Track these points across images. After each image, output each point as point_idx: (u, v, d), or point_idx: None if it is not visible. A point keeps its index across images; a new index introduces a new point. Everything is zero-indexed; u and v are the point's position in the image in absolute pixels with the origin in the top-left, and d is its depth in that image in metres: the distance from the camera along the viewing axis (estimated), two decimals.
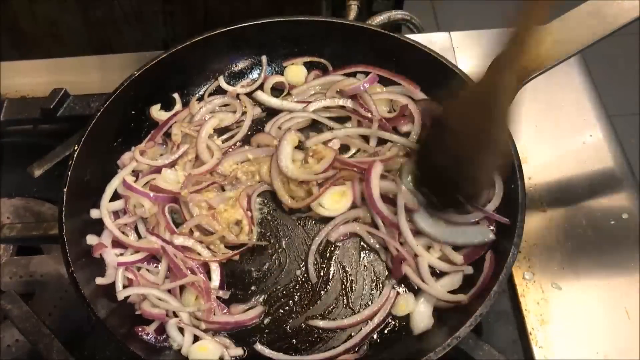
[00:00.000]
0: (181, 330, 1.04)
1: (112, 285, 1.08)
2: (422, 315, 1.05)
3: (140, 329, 1.03)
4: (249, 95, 1.33)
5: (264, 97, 1.32)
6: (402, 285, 1.09)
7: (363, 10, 1.65)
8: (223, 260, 1.11)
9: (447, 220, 1.09)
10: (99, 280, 1.07)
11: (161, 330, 1.05)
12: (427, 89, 1.27)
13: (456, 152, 0.98)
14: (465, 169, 0.99)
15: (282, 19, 1.29)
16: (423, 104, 1.27)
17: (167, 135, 1.26)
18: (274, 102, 1.31)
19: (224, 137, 1.27)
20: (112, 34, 1.86)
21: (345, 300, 1.09)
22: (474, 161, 0.97)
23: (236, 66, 1.36)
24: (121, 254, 1.11)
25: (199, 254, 1.11)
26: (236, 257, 1.12)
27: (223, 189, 1.19)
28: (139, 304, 1.06)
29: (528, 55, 0.91)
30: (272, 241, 1.15)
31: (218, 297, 1.08)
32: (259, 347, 1.04)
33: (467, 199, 1.04)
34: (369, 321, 1.05)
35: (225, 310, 1.07)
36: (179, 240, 1.10)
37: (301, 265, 1.12)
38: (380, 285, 1.10)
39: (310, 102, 1.28)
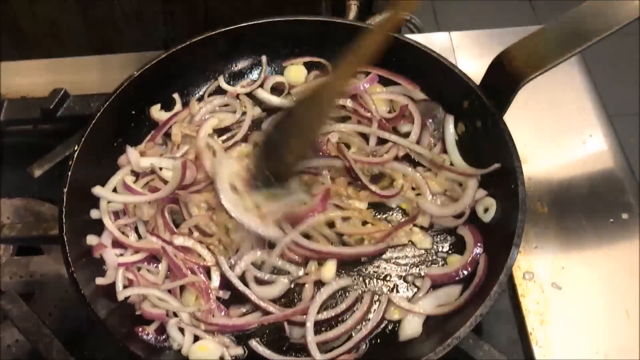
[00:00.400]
0: (181, 330, 1.04)
1: (112, 285, 1.08)
2: (410, 323, 1.04)
3: (140, 329, 1.03)
4: (249, 95, 1.33)
5: (265, 95, 1.32)
6: (395, 291, 1.10)
7: (363, 10, 1.65)
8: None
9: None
10: (99, 281, 1.07)
11: (161, 330, 1.05)
12: (427, 89, 1.27)
13: (280, 132, 1.11)
14: (279, 147, 1.10)
15: (282, 19, 1.29)
16: (423, 104, 1.27)
17: (167, 135, 1.26)
18: (274, 100, 1.31)
19: (224, 137, 1.27)
20: (112, 34, 1.86)
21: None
22: (287, 143, 1.10)
23: (236, 66, 1.36)
24: (121, 254, 1.11)
25: (199, 255, 1.11)
26: None
27: None
28: (139, 304, 1.06)
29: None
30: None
31: (218, 298, 1.08)
32: (253, 343, 1.04)
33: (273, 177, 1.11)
34: (363, 323, 1.05)
35: (224, 312, 1.07)
36: (179, 241, 1.10)
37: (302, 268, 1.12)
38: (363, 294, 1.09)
39: None
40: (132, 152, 1.19)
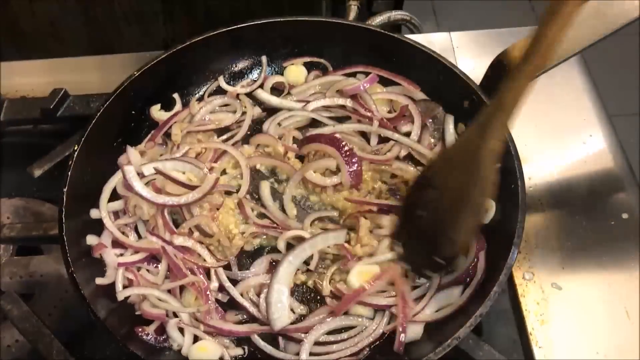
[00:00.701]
0: (181, 330, 1.04)
1: (112, 285, 1.08)
2: (412, 327, 1.03)
3: (140, 329, 1.03)
4: (249, 95, 1.33)
5: (264, 95, 1.32)
6: None
7: (363, 10, 1.65)
8: (219, 266, 1.11)
9: None
10: (99, 281, 1.07)
11: (161, 330, 1.05)
12: (427, 89, 1.27)
13: (436, 212, 0.99)
14: (443, 230, 0.99)
15: (282, 19, 1.29)
16: (423, 104, 1.27)
17: (167, 135, 1.26)
18: (274, 100, 1.31)
19: (224, 137, 1.27)
20: (112, 34, 1.86)
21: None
22: (452, 222, 0.97)
23: (236, 66, 1.36)
24: (121, 254, 1.11)
25: (199, 255, 1.11)
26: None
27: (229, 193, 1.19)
28: (139, 304, 1.06)
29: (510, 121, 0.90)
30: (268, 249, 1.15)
31: (217, 300, 1.08)
32: (255, 336, 1.04)
33: (444, 261, 1.02)
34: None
35: (220, 315, 1.07)
36: (179, 241, 1.09)
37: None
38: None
39: (309, 102, 1.28)
40: (132, 152, 1.19)
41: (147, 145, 1.23)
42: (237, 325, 1.05)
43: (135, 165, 1.17)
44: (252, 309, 1.07)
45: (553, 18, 0.81)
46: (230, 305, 1.09)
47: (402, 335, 1.00)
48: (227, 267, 1.12)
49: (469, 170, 0.93)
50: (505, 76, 0.87)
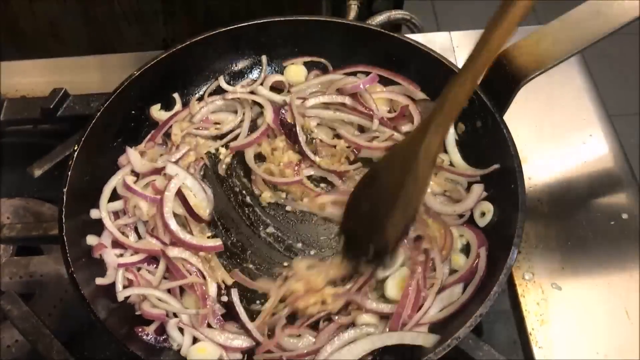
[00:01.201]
0: (181, 330, 1.04)
1: (112, 285, 1.08)
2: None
3: (140, 329, 1.03)
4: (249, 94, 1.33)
5: (265, 92, 1.31)
6: None
7: (363, 10, 1.65)
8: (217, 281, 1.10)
9: None
10: (99, 281, 1.07)
11: (161, 330, 1.05)
12: (427, 89, 1.27)
13: (376, 207, 1.00)
14: (378, 224, 1.00)
15: (282, 19, 1.29)
16: (423, 104, 1.27)
17: (167, 135, 1.26)
18: (275, 97, 1.31)
19: (225, 140, 1.27)
20: (112, 34, 1.86)
21: None
22: (387, 218, 0.98)
23: (236, 66, 1.36)
24: (121, 255, 1.11)
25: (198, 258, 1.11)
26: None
27: None
28: (139, 304, 1.06)
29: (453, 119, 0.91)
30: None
31: (222, 302, 1.08)
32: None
33: (376, 250, 1.03)
34: None
35: (219, 323, 1.06)
36: (174, 253, 1.09)
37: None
38: None
39: (308, 99, 1.28)
40: (132, 153, 1.19)
41: (147, 146, 1.23)
42: (233, 342, 1.03)
43: (138, 165, 1.17)
44: (258, 337, 1.03)
45: (500, 21, 0.81)
46: (230, 316, 1.07)
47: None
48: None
49: (407, 168, 0.93)
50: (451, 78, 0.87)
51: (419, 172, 0.94)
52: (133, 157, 1.19)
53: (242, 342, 1.03)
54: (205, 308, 1.05)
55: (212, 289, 1.08)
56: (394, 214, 0.98)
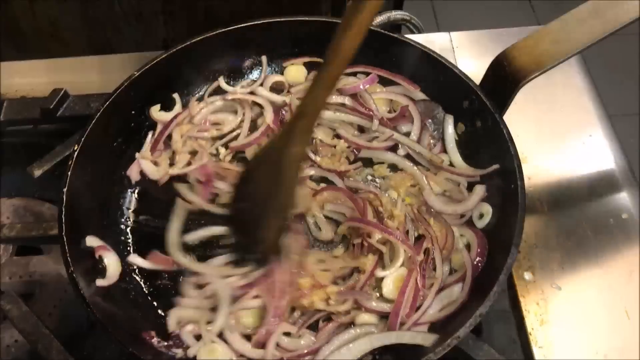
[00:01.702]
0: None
1: (112, 285, 1.07)
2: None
3: (144, 334, 1.02)
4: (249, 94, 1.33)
5: (265, 92, 1.31)
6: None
7: None
8: None
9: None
10: (100, 282, 1.06)
11: (164, 335, 1.03)
12: (427, 89, 1.27)
13: (252, 207, 1.00)
14: (255, 225, 1.01)
15: (282, 19, 1.29)
16: (423, 104, 1.27)
17: (169, 137, 1.26)
18: (275, 98, 1.31)
19: (225, 140, 1.27)
20: (112, 34, 1.86)
21: None
22: (261, 219, 0.99)
23: (236, 66, 1.36)
24: None
25: None
26: None
27: None
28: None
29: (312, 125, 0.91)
30: None
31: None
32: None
33: (258, 256, 1.05)
34: None
35: None
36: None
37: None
38: None
39: None
40: (145, 164, 1.21)
41: (155, 155, 1.24)
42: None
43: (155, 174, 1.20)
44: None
45: (350, 25, 0.80)
46: None
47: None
48: None
49: (275, 171, 0.94)
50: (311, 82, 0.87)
51: (288, 179, 0.95)
52: (147, 167, 1.21)
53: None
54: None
55: None
56: (269, 220, 0.99)
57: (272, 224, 1.01)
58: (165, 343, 1.02)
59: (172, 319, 1.05)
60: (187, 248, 1.13)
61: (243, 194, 1.02)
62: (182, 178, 1.22)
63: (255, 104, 1.30)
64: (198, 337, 1.03)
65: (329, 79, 0.86)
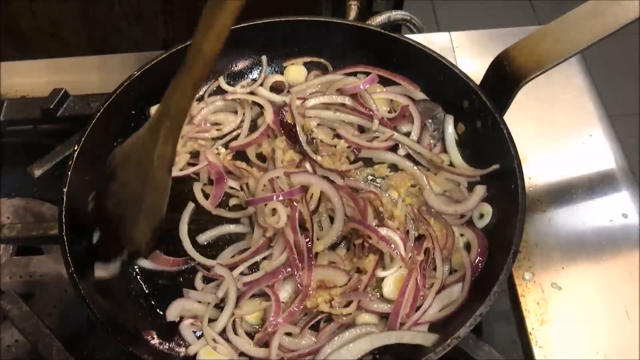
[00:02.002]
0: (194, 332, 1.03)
1: (113, 285, 1.07)
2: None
3: (145, 334, 1.02)
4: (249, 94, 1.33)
5: (265, 92, 1.31)
6: None
7: (363, 10, 1.65)
8: None
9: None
10: (98, 273, 1.04)
11: (166, 335, 1.04)
12: (427, 89, 1.27)
13: (117, 205, 0.98)
14: (122, 224, 0.98)
15: (282, 19, 1.29)
16: (423, 104, 1.27)
17: None
18: (275, 98, 1.31)
19: (225, 140, 1.27)
20: (112, 34, 1.86)
21: None
22: (129, 219, 0.97)
23: (236, 66, 1.36)
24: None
25: None
26: None
27: None
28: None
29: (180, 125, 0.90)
30: None
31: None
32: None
33: (127, 255, 1.02)
34: None
35: None
36: None
37: None
38: None
39: (308, 99, 1.28)
40: None
41: None
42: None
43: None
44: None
45: (209, 25, 0.79)
46: None
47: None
48: None
49: (141, 170, 0.92)
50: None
51: (156, 180, 0.93)
52: None
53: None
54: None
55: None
56: (137, 220, 0.97)
57: (139, 225, 0.98)
58: (165, 343, 1.02)
59: (174, 308, 1.05)
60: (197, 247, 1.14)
61: (108, 192, 0.99)
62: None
63: (255, 104, 1.30)
64: (197, 334, 1.03)
65: (191, 82, 0.85)
